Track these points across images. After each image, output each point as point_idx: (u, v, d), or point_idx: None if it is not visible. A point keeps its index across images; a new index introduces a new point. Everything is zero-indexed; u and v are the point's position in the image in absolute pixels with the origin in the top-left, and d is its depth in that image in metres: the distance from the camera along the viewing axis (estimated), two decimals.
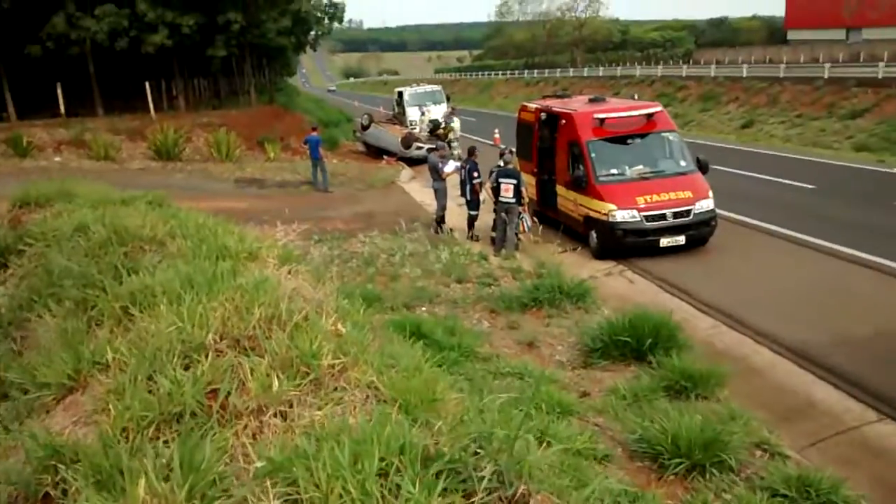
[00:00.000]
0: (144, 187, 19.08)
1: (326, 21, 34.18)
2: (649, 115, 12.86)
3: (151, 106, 27.45)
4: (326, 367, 2.97)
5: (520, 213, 12.97)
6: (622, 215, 11.76)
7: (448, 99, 33.18)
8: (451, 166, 14.40)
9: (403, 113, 31.42)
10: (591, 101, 14.29)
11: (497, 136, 30.76)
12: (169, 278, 3.96)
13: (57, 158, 22.73)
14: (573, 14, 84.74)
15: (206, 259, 4.51)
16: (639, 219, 11.76)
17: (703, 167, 12.59)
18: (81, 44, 26.71)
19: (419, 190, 20.57)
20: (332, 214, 16.82)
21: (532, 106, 15.46)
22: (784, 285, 10.36)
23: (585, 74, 60.46)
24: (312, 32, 35.42)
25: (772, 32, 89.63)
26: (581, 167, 12.50)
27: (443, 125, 27.88)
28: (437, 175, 14.40)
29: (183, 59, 31.08)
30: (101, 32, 25.67)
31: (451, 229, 13.79)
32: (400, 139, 26.51)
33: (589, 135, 12.56)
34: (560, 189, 13.65)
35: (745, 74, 38.53)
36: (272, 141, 26.20)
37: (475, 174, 13.45)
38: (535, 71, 73.30)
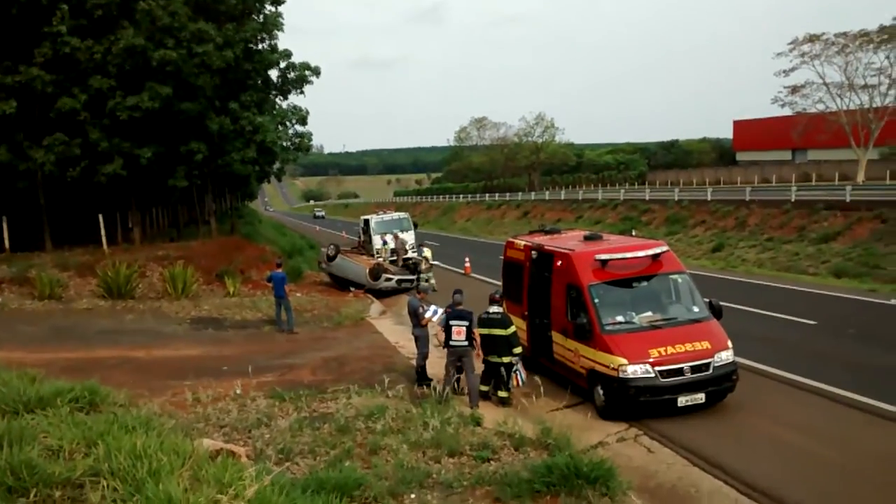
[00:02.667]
0: (88, 333, 17.61)
1: (292, 150, 33.49)
2: (655, 256, 11.71)
3: (104, 239, 25.86)
4: None
5: (513, 366, 11.56)
6: (634, 370, 10.31)
7: (416, 226, 32.43)
8: (432, 312, 12.96)
9: (370, 241, 30.44)
10: (587, 238, 13.09)
11: (468, 264, 29.81)
12: None
13: None
14: (530, 139, 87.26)
15: None
16: (653, 374, 10.34)
17: (716, 312, 11.37)
18: (31, 175, 25.31)
19: (391, 328, 19.10)
20: (299, 362, 15.19)
21: (521, 242, 14.18)
22: (830, 456, 9.06)
23: (547, 198, 60.94)
24: (277, 163, 34.66)
25: (721, 154, 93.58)
26: (583, 314, 11.15)
27: (413, 255, 26.82)
28: (418, 321, 12.95)
29: (140, 188, 29.80)
30: (48, 163, 24.32)
31: (436, 384, 12.21)
32: (368, 270, 25.26)
33: (590, 278, 11.30)
34: (556, 336, 12.23)
35: (709, 198, 38.79)
36: (232, 274, 24.62)
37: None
38: (497, 194, 74.04)
